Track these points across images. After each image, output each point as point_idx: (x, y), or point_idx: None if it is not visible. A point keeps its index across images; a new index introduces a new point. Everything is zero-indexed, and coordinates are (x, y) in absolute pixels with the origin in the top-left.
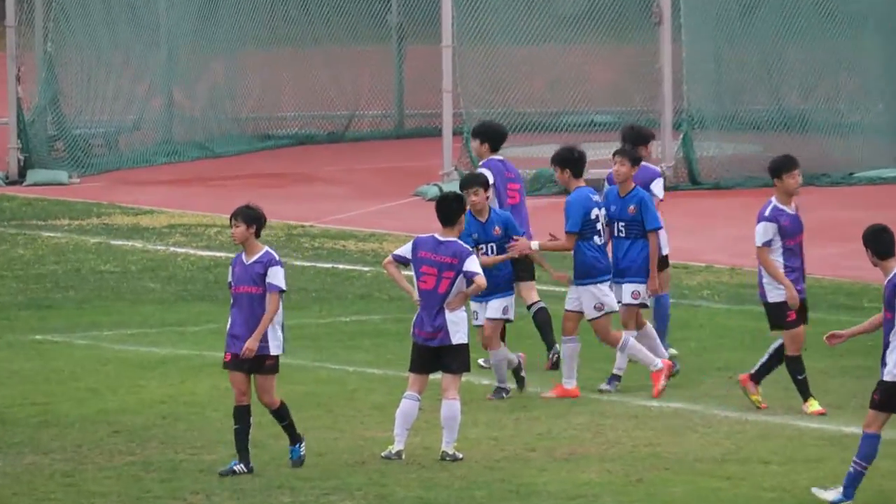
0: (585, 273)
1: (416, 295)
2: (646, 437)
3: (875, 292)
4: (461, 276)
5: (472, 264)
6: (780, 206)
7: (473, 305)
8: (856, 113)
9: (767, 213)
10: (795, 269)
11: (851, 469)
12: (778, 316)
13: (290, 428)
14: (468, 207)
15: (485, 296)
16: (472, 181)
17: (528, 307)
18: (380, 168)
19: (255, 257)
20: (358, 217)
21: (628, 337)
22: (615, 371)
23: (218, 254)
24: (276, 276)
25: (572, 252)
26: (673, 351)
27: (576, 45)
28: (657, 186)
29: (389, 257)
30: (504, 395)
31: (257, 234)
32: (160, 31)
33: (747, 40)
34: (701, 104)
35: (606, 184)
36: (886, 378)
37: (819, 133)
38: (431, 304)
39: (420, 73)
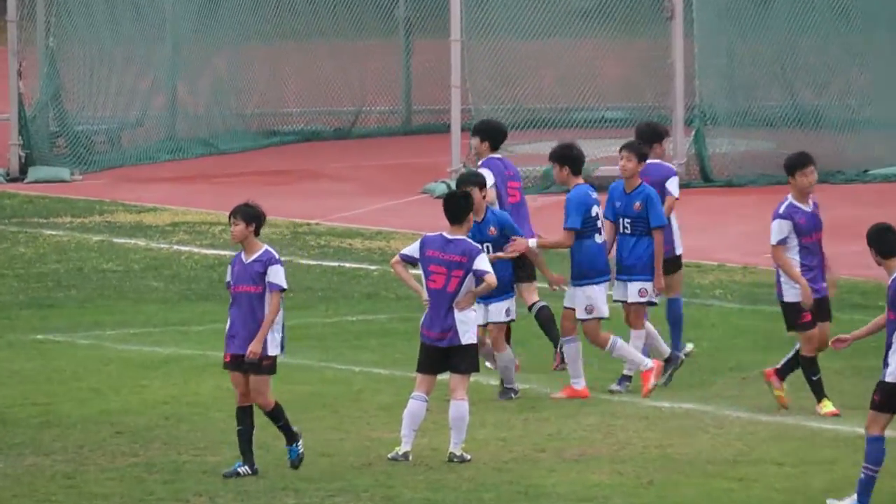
0: (584, 273)
1: (425, 295)
2: (657, 438)
3: None
4: (470, 274)
5: (482, 263)
6: (796, 204)
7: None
8: (870, 109)
9: (782, 210)
10: (813, 267)
11: (862, 475)
12: (793, 316)
13: (285, 428)
14: None
15: (485, 298)
16: (467, 180)
17: (529, 308)
18: (387, 165)
19: (255, 256)
20: (364, 215)
21: (616, 339)
22: (625, 371)
23: (222, 252)
24: (277, 275)
25: (570, 251)
26: (690, 346)
27: (586, 40)
28: (672, 185)
29: (397, 257)
30: (513, 395)
31: (256, 233)
32: (164, 25)
33: (760, 35)
34: (713, 100)
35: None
36: (888, 379)
37: (833, 130)
38: (441, 303)
39: (428, 67)
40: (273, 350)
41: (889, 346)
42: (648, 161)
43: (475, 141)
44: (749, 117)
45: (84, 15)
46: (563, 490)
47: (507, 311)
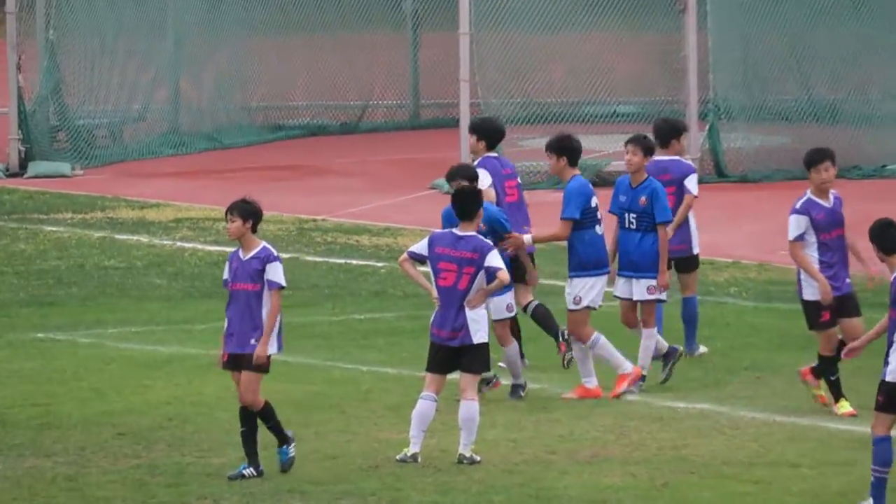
0: (583, 264)
1: (435, 293)
2: (671, 439)
3: None
4: (482, 271)
5: (495, 259)
6: (814, 199)
7: None
8: (887, 104)
9: (799, 205)
10: (833, 264)
11: (873, 478)
12: (811, 315)
13: (276, 429)
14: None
15: None
16: (457, 173)
17: (524, 308)
18: (394, 160)
19: (253, 253)
20: (372, 211)
21: (599, 336)
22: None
23: (227, 249)
24: (276, 273)
25: (571, 241)
26: (703, 349)
27: (598, 33)
28: (691, 182)
29: (405, 254)
30: (521, 392)
31: (254, 229)
32: (166, 17)
33: (775, 27)
34: (727, 94)
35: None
36: (888, 378)
37: (850, 124)
38: (452, 301)
39: (436, 61)
40: (270, 349)
41: (890, 345)
42: (667, 157)
43: (472, 139)
44: (764, 111)
45: (85, 6)
46: (575, 492)
47: (509, 307)
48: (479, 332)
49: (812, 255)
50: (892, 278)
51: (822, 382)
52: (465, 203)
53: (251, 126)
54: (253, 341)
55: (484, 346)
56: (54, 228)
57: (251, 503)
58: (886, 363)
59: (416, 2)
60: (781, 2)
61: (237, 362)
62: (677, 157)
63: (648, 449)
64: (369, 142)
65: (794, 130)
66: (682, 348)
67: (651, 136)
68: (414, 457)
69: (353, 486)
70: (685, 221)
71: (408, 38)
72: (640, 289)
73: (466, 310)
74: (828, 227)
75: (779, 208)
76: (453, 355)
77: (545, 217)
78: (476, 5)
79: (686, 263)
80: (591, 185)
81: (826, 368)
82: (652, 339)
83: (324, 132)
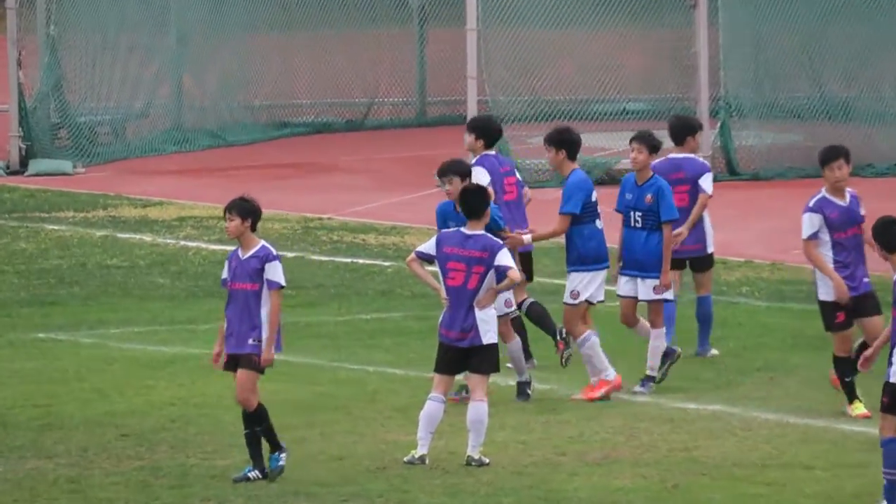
0: (582, 258)
1: (444, 293)
2: (682, 440)
3: None
4: (492, 271)
5: (504, 258)
6: (829, 198)
7: None
8: None
9: (812, 203)
10: (848, 263)
11: (885, 481)
12: (826, 316)
13: (268, 433)
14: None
15: None
16: (447, 169)
17: (518, 305)
18: (401, 157)
19: (251, 252)
20: (378, 209)
21: (591, 335)
22: (648, 372)
23: (230, 247)
24: (276, 272)
25: (570, 236)
26: (714, 352)
27: (607, 29)
28: (706, 181)
29: (412, 255)
30: (528, 389)
31: (253, 228)
32: (169, 12)
33: (787, 23)
34: (739, 91)
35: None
36: (892, 379)
37: (863, 122)
38: (461, 301)
39: (443, 57)
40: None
41: (894, 345)
42: (681, 155)
43: (470, 138)
44: (776, 108)
45: (86, 1)
46: (585, 495)
47: (507, 302)
48: (489, 333)
49: (826, 254)
50: (895, 277)
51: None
52: (473, 201)
53: (255, 123)
54: (251, 341)
55: (493, 347)
56: (56, 227)
57: None
58: (890, 364)
59: None
60: None
61: (235, 362)
62: (692, 155)
63: (659, 450)
64: (375, 139)
65: (806, 128)
66: (679, 350)
67: (665, 133)
68: (422, 458)
69: (359, 488)
70: (700, 220)
71: (414, 35)
72: (646, 289)
73: (476, 310)
74: (842, 225)
75: (791, 206)
76: (462, 356)
77: (552, 215)
78: (484, 1)
79: (701, 262)
80: (590, 180)
81: (841, 369)
82: (660, 340)
83: (329, 130)
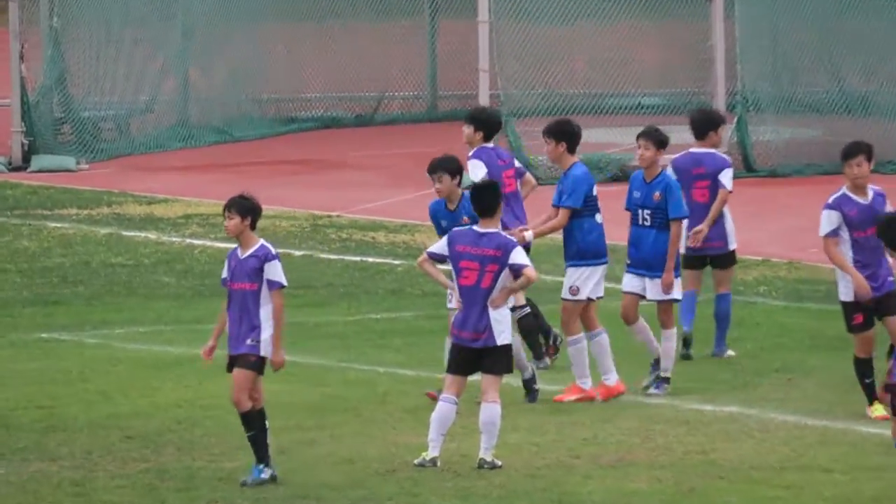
0: (582, 253)
1: (457, 294)
2: (698, 442)
3: None
4: (506, 270)
5: (519, 256)
6: (849, 195)
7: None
8: None
9: (831, 200)
10: (868, 263)
11: None
12: (846, 316)
13: (257, 441)
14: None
15: None
16: (437, 166)
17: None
18: (412, 153)
19: (250, 251)
20: (388, 206)
21: (583, 338)
22: (662, 374)
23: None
24: (276, 272)
25: (570, 230)
26: (731, 353)
27: (622, 22)
28: (726, 177)
29: (423, 255)
30: (535, 385)
31: (253, 226)
32: (175, 4)
33: (805, 15)
34: (756, 85)
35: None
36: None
37: (883, 116)
38: (474, 301)
39: (455, 50)
40: (265, 351)
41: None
42: (702, 150)
43: (468, 129)
44: (794, 103)
45: None
46: (599, 498)
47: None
48: (503, 334)
49: (847, 253)
50: None
51: None
52: (485, 199)
53: (263, 118)
54: (249, 341)
55: (507, 348)
56: (59, 225)
57: None
58: None
59: None
60: None
61: (233, 362)
62: (713, 150)
63: (675, 453)
64: (385, 134)
65: (825, 123)
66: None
67: (678, 128)
68: (433, 461)
69: (369, 492)
70: (721, 217)
71: (425, 27)
72: (655, 288)
73: (490, 310)
74: (861, 224)
75: (809, 204)
76: (475, 357)
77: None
78: None
79: (722, 260)
80: (591, 173)
81: (861, 371)
82: (672, 341)
83: (338, 125)
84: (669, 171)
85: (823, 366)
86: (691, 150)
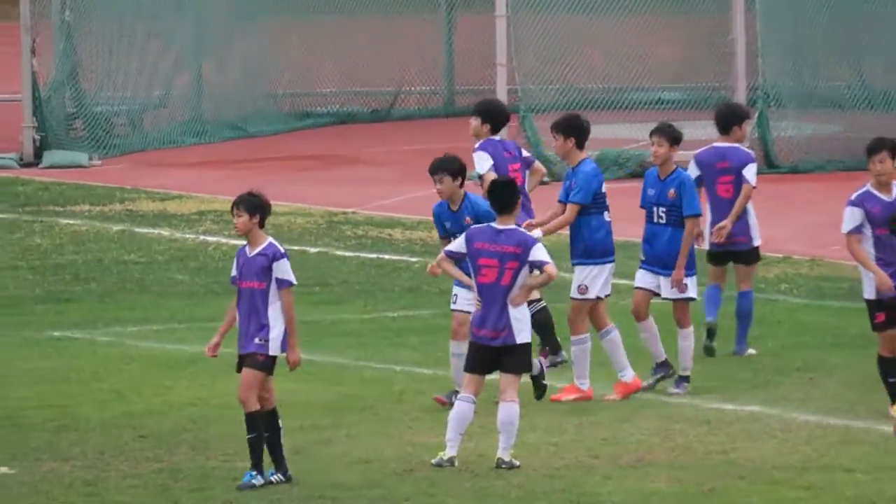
0: (589, 251)
1: (475, 294)
2: (719, 442)
3: None
4: (525, 267)
5: (540, 253)
6: (872, 191)
7: (460, 291)
8: None
9: (854, 197)
10: (891, 262)
11: None
12: (869, 315)
13: (254, 446)
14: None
15: None
16: (438, 167)
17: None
18: (428, 149)
19: (259, 249)
20: (405, 203)
21: (588, 338)
22: (681, 372)
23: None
24: (285, 271)
25: (577, 227)
26: (752, 351)
27: (641, 16)
28: (750, 172)
29: (441, 255)
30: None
31: (261, 224)
32: None
33: (827, 9)
34: (777, 79)
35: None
36: None
37: None
38: (494, 298)
39: (472, 45)
40: (274, 350)
41: None
42: (726, 144)
43: (476, 122)
44: (816, 98)
45: None
46: (619, 498)
47: None
48: (523, 332)
49: (869, 250)
50: None
51: None
52: (503, 195)
53: (277, 114)
54: (257, 340)
55: (527, 347)
56: (71, 221)
57: None
58: None
59: None
60: None
61: (241, 362)
62: (737, 145)
63: (695, 453)
64: (401, 130)
65: (847, 118)
66: (670, 370)
67: (698, 123)
68: (451, 461)
69: (386, 492)
70: (744, 212)
71: (442, 21)
72: (669, 287)
73: (510, 308)
74: (884, 221)
75: (831, 200)
76: (495, 355)
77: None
78: None
79: (746, 256)
80: (600, 170)
81: (884, 369)
82: (690, 340)
83: (354, 120)
84: (692, 165)
85: (845, 364)
86: (715, 144)
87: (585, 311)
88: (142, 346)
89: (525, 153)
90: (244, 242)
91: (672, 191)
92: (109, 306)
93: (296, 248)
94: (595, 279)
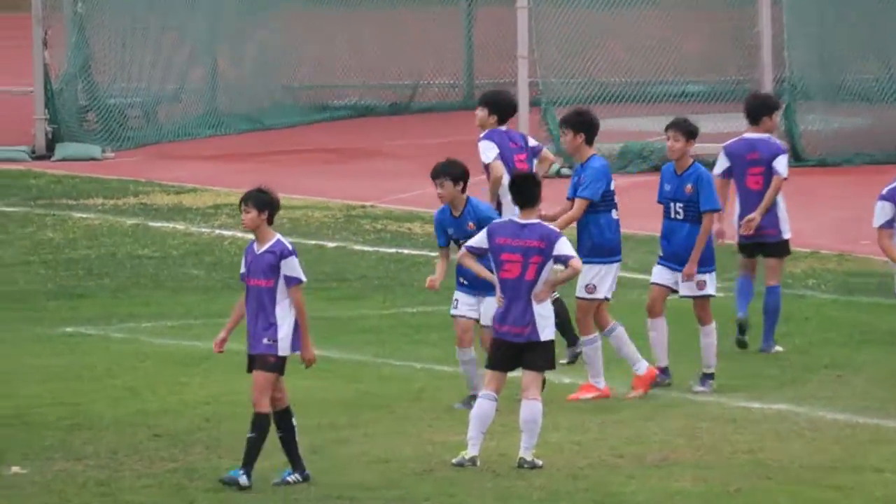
0: (596, 249)
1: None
2: (745, 441)
3: None
4: (550, 261)
5: (565, 247)
6: None
7: (461, 295)
8: None
9: (885, 191)
10: None
11: None
12: None
13: (253, 444)
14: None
15: (480, 292)
16: (440, 172)
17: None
18: (448, 142)
19: (267, 246)
20: (424, 196)
21: (598, 338)
22: (705, 370)
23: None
24: (294, 268)
25: (584, 224)
26: (779, 348)
27: (665, 8)
28: (780, 164)
29: (462, 250)
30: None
31: (270, 221)
32: None
33: (854, 2)
34: (804, 72)
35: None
36: None
37: None
38: (518, 294)
39: (492, 37)
40: (283, 351)
41: None
42: (756, 135)
43: (482, 112)
44: (843, 91)
45: None
46: (643, 498)
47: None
48: (547, 329)
49: None
50: None
51: None
52: (525, 189)
53: (294, 106)
54: (266, 340)
55: (550, 344)
56: (84, 215)
57: None
58: None
59: None
60: None
61: (251, 362)
62: (768, 136)
63: (721, 452)
64: (421, 123)
65: (874, 112)
66: (668, 379)
67: (724, 115)
68: (472, 460)
69: (405, 492)
70: (773, 205)
71: (462, 13)
72: (689, 284)
73: (534, 304)
74: None
75: (858, 194)
76: (518, 352)
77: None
78: None
79: (775, 249)
80: (609, 168)
81: None
82: (712, 336)
83: (372, 113)
84: (721, 156)
85: (874, 361)
86: (745, 135)
87: (592, 311)
88: (156, 342)
89: (532, 142)
90: None
91: (689, 186)
92: (123, 302)
93: (313, 242)
94: (603, 279)
